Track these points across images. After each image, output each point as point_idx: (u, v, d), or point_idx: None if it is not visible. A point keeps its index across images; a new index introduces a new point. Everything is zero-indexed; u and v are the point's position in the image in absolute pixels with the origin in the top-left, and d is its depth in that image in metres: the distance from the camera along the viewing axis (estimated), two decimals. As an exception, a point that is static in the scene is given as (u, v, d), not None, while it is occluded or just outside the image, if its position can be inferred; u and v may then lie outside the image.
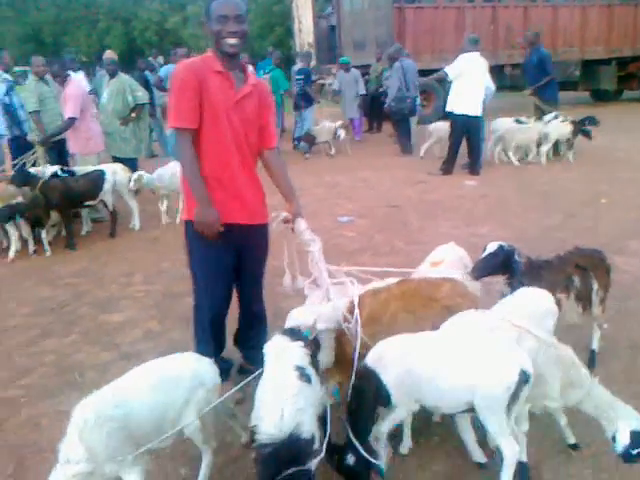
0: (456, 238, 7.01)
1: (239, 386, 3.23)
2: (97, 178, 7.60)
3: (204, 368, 3.06)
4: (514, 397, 2.74)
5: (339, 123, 13.39)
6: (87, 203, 7.68)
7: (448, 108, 10.58)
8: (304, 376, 2.81)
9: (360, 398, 2.92)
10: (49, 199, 7.12)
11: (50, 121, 8.50)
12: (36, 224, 7.21)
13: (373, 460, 2.83)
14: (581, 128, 11.29)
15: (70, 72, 9.41)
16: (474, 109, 10.26)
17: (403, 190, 9.82)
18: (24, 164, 8.00)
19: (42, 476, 2.64)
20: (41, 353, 4.76)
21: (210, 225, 3.47)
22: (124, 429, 2.60)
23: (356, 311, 3.36)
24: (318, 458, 2.64)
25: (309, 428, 2.60)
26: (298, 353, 2.98)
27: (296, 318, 3.44)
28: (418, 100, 13.36)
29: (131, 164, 9.74)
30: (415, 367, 2.87)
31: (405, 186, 10.09)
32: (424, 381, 2.86)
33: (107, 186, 7.62)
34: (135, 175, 7.87)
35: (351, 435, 2.86)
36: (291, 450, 2.49)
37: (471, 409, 2.84)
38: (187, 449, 3.33)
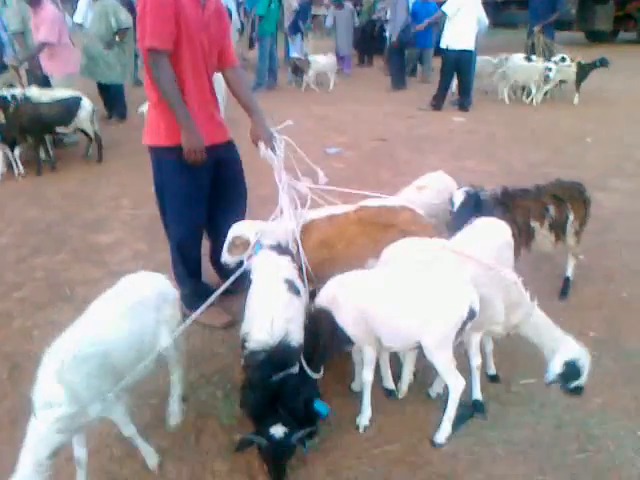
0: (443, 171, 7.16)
1: (209, 300, 3.07)
2: (72, 104, 7.35)
3: (162, 284, 2.92)
4: (459, 333, 2.78)
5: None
6: (59, 130, 7.48)
7: (442, 45, 10.41)
8: (293, 288, 2.92)
9: (315, 340, 2.86)
10: (21, 122, 6.96)
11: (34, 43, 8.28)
12: (12, 145, 7.13)
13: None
14: (591, 69, 11.01)
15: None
16: (467, 43, 10.13)
17: (392, 124, 9.80)
18: None
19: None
20: (31, 270, 4.84)
21: (200, 151, 3.41)
22: (104, 365, 2.46)
23: (297, 234, 3.35)
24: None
25: (297, 337, 2.74)
26: (287, 267, 3.08)
27: (237, 230, 3.46)
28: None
29: (117, 90, 9.61)
30: (368, 307, 2.83)
31: (395, 120, 10.06)
32: (377, 320, 2.83)
33: (83, 113, 7.40)
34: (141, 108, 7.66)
35: (307, 368, 2.81)
36: (281, 356, 2.63)
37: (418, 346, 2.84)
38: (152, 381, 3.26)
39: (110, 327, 2.56)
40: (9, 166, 7.32)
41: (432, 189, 4.16)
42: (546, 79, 11.01)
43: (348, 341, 2.90)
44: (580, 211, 4.09)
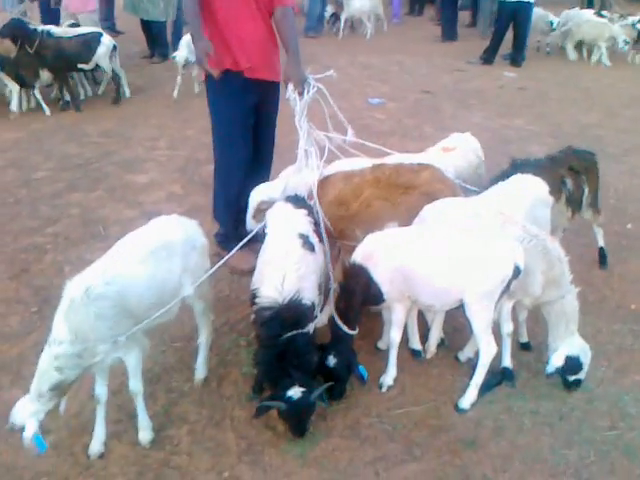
0: (488, 129, 6.90)
1: (232, 252, 3.19)
2: (91, 40, 7.07)
3: (192, 230, 2.82)
4: (503, 292, 2.67)
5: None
6: (81, 66, 7.19)
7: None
8: (307, 244, 2.81)
9: (350, 297, 2.80)
10: (42, 57, 6.78)
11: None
12: (23, 84, 6.95)
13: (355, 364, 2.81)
14: None
15: None
16: (527, -7, 9.59)
17: (439, 77, 9.44)
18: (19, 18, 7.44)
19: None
20: (67, 205, 4.86)
21: (207, 53, 3.40)
22: (116, 307, 2.37)
23: (314, 191, 3.22)
24: (316, 321, 2.72)
25: (309, 295, 2.65)
26: (302, 221, 2.95)
27: (261, 193, 3.37)
28: None
29: (159, 28, 9.45)
30: (407, 264, 2.73)
31: (442, 73, 9.68)
32: (417, 278, 2.73)
33: (102, 49, 7.06)
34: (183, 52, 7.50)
35: (344, 327, 2.77)
36: (291, 314, 2.54)
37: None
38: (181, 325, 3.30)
39: (128, 269, 2.47)
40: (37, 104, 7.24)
41: (457, 151, 3.86)
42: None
43: (381, 299, 2.81)
44: (593, 183, 3.82)
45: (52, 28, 7.22)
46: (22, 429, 2.27)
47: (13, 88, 6.90)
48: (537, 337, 3.29)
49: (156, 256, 2.56)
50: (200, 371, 3.00)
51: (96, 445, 2.57)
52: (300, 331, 2.57)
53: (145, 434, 2.63)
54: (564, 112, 7.69)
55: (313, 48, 10.81)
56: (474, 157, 3.89)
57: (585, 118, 7.44)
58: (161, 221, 2.81)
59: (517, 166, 3.53)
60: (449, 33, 12.40)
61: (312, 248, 2.83)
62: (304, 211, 3.01)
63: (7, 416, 2.32)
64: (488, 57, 10.32)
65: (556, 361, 2.82)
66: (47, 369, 2.28)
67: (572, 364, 2.82)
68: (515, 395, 2.93)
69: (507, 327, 2.94)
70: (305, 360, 2.58)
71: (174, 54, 7.60)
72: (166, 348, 3.22)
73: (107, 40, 7.14)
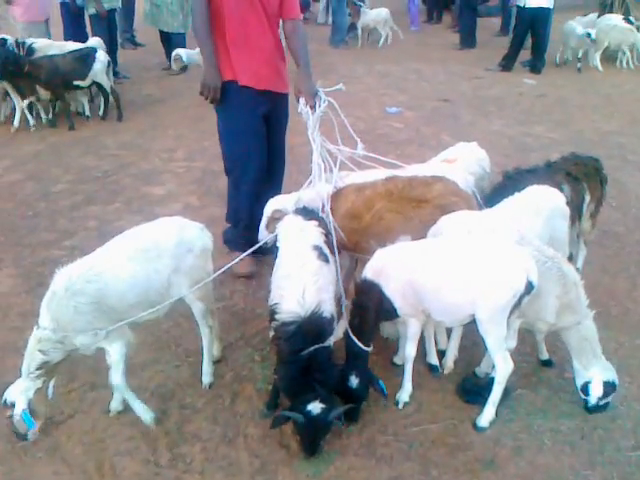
0: (507, 136, 6.82)
1: (238, 258, 3.22)
2: (86, 56, 6.91)
3: (190, 233, 2.82)
4: (515, 308, 2.59)
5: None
6: (77, 83, 6.96)
7: (520, 2, 9.72)
8: (322, 255, 2.77)
9: (363, 313, 2.75)
10: (36, 77, 6.64)
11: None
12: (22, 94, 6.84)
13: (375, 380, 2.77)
14: None
15: None
16: (546, 0, 9.47)
17: (457, 84, 9.36)
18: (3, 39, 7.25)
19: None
20: (84, 218, 4.89)
21: (214, 89, 3.56)
22: (96, 304, 2.48)
23: (327, 205, 3.22)
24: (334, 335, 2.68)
25: (329, 307, 2.61)
26: (314, 232, 2.91)
27: (275, 204, 3.35)
28: None
29: (179, 40, 9.53)
30: (418, 278, 2.67)
31: (460, 80, 9.60)
32: (427, 293, 2.67)
33: (98, 65, 6.90)
34: (173, 54, 7.52)
35: (359, 344, 2.72)
36: (313, 328, 2.50)
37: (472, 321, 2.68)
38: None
39: (113, 267, 2.55)
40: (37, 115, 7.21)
41: (459, 162, 3.72)
42: None
43: (394, 314, 2.76)
44: (596, 191, 3.67)
45: (34, 43, 7.14)
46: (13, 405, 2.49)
47: (17, 102, 6.93)
48: (558, 352, 3.21)
49: (145, 255, 2.63)
50: (205, 376, 3.02)
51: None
52: (322, 345, 2.53)
53: (146, 416, 2.74)
54: (585, 119, 7.58)
55: (331, 58, 10.83)
56: (477, 168, 3.76)
57: (606, 125, 7.32)
58: (160, 222, 2.87)
59: (511, 178, 3.45)
60: (467, 40, 12.31)
61: (326, 259, 2.79)
62: (314, 222, 2.98)
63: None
64: (507, 64, 10.22)
65: (596, 391, 2.74)
66: (32, 350, 2.49)
67: (609, 389, 2.74)
68: (535, 413, 2.86)
69: (510, 344, 2.81)
70: (328, 375, 2.54)
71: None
72: (180, 363, 3.20)
73: (102, 56, 7.02)
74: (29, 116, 7.02)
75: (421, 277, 2.67)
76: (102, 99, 7.40)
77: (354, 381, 2.68)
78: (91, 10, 8.58)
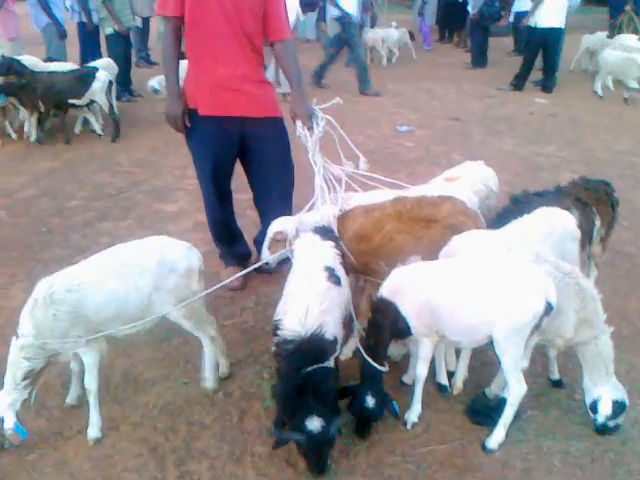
0: (518, 156, 6.83)
1: (227, 281, 3.29)
2: (85, 76, 7.00)
3: (174, 253, 2.82)
4: (534, 330, 2.57)
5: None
6: (72, 102, 7.07)
7: (530, 22, 9.79)
8: (333, 277, 2.77)
9: (378, 332, 2.74)
10: (34, 90, 6.80)
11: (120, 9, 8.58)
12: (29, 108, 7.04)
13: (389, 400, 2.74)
14: None
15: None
16: (557, 20, 9.53)
17: (468, 103, 9.42)
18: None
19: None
20: (97, 234, 4.94)
21: (175, 119, 3.56)
22: (75, 313, 2.56)
23: (334, 222, 3.23)
24: (337, 354, 2.67)
25: (332, 329, 2.59)
26: (329, 253, 2.92)
27: (277, 226, 3.34)
28: None
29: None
30: (434, 298, 2.66)
31: (471, 99, 9.66)
32: (444, 313, 2.66)
33: (97, 85, 6.96)
34: (147, 86, 7.66)
35: (373, 363, 2.70)
36: (312, 348, 2.49)
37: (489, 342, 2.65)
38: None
39: (93, 280, 2.62)
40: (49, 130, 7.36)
41: (462, 181, 3.67)
42: None
43: (408, 332, 2.75)
44: (607, 216, 3.63)
45: (23, 60, 7.19)
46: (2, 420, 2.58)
47: (25, 115, 7.11)
48: (568, 373, 3.19)
49: (126, 271, 2.67)
50: (206, 381, 3.08)
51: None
52: (321, 365, 2.52)
53: (93, 430, 2.77)
54: (596, 138, 7.58)
55: (344, 76, 10.93)
56: (481, 187, 3.71)
57: (618, 144, 7.32)
58: (147, 240, 2.92)
59: (518, 201, 3.41)
60: (479, 60, 12.41)
61: (338, 281, 2.79)
62: (331, 243, 2.99)
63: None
64: (518, 83, 10.27)
65: (605, 409, 2.71)
66: (16, 360, 2.57)
67: (618, 409, 2.71)
68: (545, 434, 2.83)
69: (523, 364, 2.76)
70: (324, 394, 2.51)
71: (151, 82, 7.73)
72: (189, 380, 3.20)
73: (103, 75, 7.06)
74: (33, 130, 7.20)
75: (438, 297, 2.67)
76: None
77: (370, 402, 2.66)
78: (108, 30, 8.75)
